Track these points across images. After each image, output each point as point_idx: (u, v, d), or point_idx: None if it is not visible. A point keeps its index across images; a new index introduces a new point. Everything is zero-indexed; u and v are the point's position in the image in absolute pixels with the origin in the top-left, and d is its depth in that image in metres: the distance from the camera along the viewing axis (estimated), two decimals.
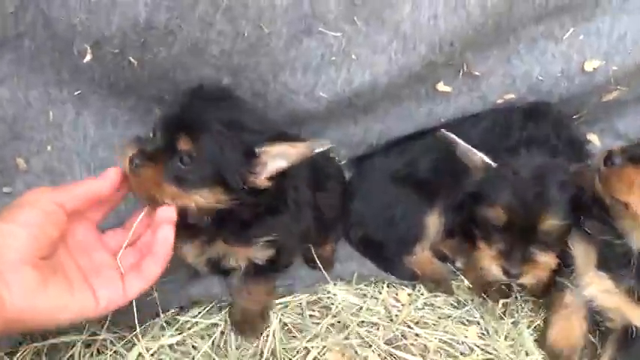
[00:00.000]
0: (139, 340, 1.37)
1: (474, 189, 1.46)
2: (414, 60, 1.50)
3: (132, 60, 1.34)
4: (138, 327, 1.31)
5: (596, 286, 1.39)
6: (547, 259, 1.41)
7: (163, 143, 1.16)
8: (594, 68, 1.59)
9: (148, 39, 1.31)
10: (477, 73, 1.59)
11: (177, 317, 1.47)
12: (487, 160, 1.45)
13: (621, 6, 1.60)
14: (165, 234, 1.13)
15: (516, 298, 1.66)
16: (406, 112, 1.69)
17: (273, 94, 1.49)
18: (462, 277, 1.71)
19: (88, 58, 1.32)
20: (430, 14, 1.45)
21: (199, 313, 1.50)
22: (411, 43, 1.48)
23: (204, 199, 1.17)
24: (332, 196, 1.63)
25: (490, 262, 1.43)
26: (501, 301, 1.64)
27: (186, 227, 1.21)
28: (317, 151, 1.17)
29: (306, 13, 1.40)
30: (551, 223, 1.38)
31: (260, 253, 1.35)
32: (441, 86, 1.64)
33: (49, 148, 1.46)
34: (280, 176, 1.20)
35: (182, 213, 1.17)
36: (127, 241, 1.19)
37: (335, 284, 1.63)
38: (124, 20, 1.27)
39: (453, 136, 1.48)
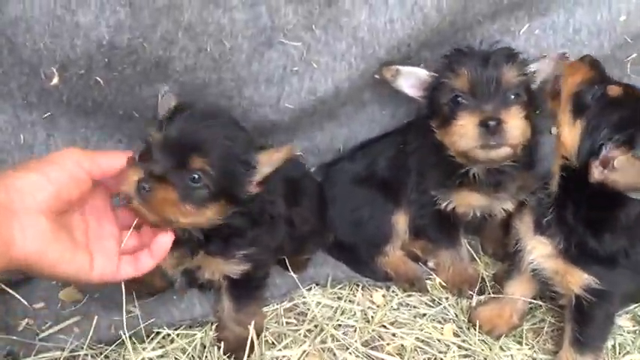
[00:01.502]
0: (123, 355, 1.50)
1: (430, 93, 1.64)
2: (374, 64, 1.65)
3: (98, 79, 1.47)
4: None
5: (537, 251, 1.53)
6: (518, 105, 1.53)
7: (171, 163, 1.27)
8: None
9: (112, 58, 1.43)
10: None
11: (159, 331, 1.59)
12: (430, 72, 1.64)
13: None
14: (164, 240, 1.27)
15: (489, 293, 1.79)
16: (370, 116, 1.84)
17: (238, 108, 1.63)
18: (435, 276, 1.84)
19: (55, 80, 1.45)
20: (387, 19, 1.60)
21: (181, 326, 1.62)
22: (370, 48, 1.62)
23: (212, 213, 1.33)
24: (306, 211, 1.76)
25: (467, 125, 1.50)
26: (475, 298, 1.78)
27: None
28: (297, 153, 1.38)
29: (266, 25, 1.54)
30: (513, 73, 1.54)
31: (236, 267, 1.49)
32: None
33: None
34: (259, 191, 1.38)
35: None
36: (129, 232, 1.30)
37: (310, 289, 1.77)
38: (87, 42, 1.39)
39: (396, 66, 1.65)
